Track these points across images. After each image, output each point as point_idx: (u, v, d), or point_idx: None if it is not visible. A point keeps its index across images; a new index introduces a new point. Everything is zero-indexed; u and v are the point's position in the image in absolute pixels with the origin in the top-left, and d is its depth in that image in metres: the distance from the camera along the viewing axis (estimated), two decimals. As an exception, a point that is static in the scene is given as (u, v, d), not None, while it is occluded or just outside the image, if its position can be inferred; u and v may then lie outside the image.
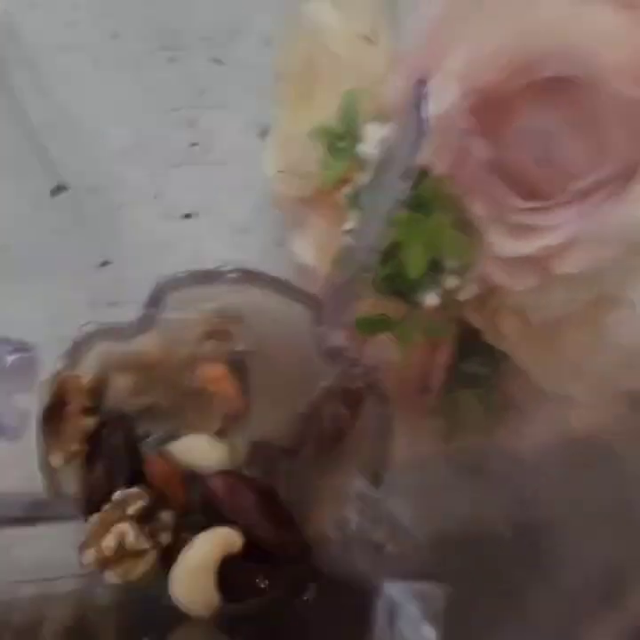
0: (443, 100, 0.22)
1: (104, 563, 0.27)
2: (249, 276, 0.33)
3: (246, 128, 0.39)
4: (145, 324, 0.31)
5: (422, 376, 0.32)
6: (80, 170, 0.28)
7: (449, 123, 0.23)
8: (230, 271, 0.33)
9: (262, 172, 0.34)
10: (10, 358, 0.28)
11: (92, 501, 0.28)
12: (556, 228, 0.25)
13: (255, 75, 0.38)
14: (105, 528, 0.27)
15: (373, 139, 0.26)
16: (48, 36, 0.41)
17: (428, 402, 0.32)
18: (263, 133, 0.37)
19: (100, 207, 0.28)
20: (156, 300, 0.31)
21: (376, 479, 0.29)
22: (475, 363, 0.31)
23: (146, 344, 0.31)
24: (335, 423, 0.30)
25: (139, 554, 0.27)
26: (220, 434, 0.30)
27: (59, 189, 0.24)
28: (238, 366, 0.31)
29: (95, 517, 0.27)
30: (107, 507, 0.27)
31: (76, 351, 0.30)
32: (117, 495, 0.27)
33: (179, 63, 0.40)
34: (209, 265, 0.35)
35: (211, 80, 0.40)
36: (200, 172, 0.39)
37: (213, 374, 0.31)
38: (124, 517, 0.27)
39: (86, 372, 0.30)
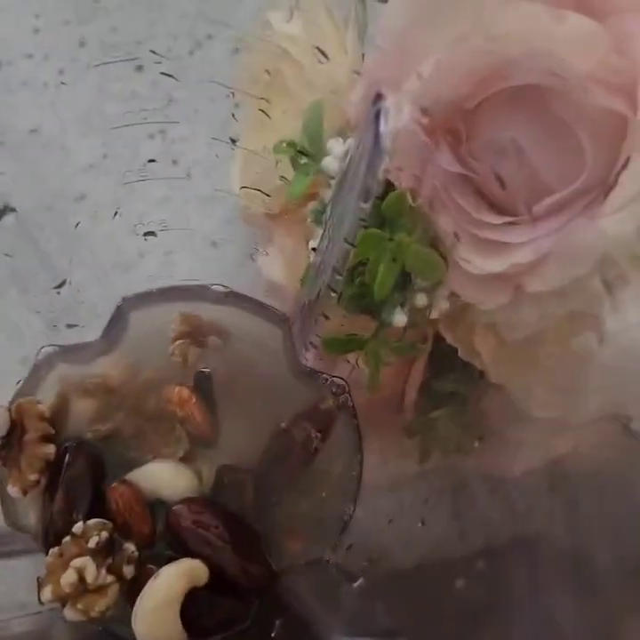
0: (403, 114, 0.21)
1: (63, 599, 0.26)
2: (217, 294, 0.32)
3: (214, 140, 0.38)
4: (107, 345, 0.30)
5: (395, 395, 0.31)
6: (35, 187, 0.27)
7: (412, 137, 0.22)
8: (198, 288, 0.32)
9: (231, 184, 0.33)
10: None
11: (52, 534, 0.27)
12: (527, 245, 0.24)
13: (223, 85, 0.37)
14: (64, 562, 0.26)
15: (337, 152, 0.25)
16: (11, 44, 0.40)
17: (402, 421, 0.31)
18: (232, 145, 0.36)
19: (55, 226, 0.27)
20: (118, 319, 0.30)
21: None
22: (450, 381, 0.30)
23: (108, 366, 0.30)
24: (306, 446, 0.29)
25: (100, 589, 0.26)
26: (186, 460, 0.29)
27: (5, 211, 0.23)
28: (205, 388, 0.30)
29: (54, 551, 0.26)
30: (66, 540, 0.26)
31: (34, 375, 0.29)
32: (77, 527, 0.26)
33: (145, 73, 0.39)
34: (176, 282, 0.34)
35: (178, 90, 0.39)
36: (167, 184, 0.38)
37: (179, 397, 0.30)
38: (84, 551, 0.26)
39: (45, 397, 0.29)
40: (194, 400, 0.29)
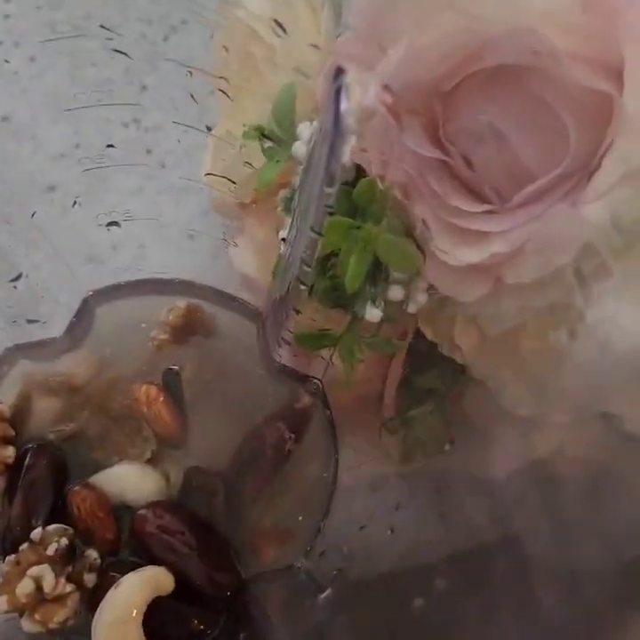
0: (369, 92, 0.20)
1: (20, 609, 0.24)
2: (188, 287, 0.30)
3: (189, 128, 0.36)
4: (72, 341, 0.29)
5: (373, 392, 0.30)
6: (3, 176, 0.25)
7: (380, 119, 0.21)
8: (167, 282, 0.30)
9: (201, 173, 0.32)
10: None
11: (9, 541, 0.25)
12: (507, 234, 0.23)
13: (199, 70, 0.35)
14: (21, 571, 0.24)
15: (306, 136, 0.24)
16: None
17: (380, 419, 0.30)
18: (208, 133, 0.35)
19: (19, 217, 0.26)
20: (84, 314, 0.29)
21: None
22: (430, 377, 0.29)
23: (73, 364, 0.29)
24: (278, 447, 0.28)
25: (59, 598, 0.25)
26: (153, 461, 0.28)
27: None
28: (173, 386, 0.29)
29: (11, 559, 0.25)
30: (24, 547, 0.25)
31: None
32: (36, 534, 0.25)
33: (120, 59, 0.38)
34: (148, 274, 0.33)
35: (153, 76, 0.38)
36: (141, 173, 0.36)
37: (147, 395, 0.28)
38: (42, 558, 0.25)
39: (6, 395, 0.28)
40: (162, 398, 0.28)
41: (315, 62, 0.27)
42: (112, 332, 0.29)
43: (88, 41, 0.39)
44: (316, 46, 0.27)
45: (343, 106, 0.17)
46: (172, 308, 0.29)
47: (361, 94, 0.17)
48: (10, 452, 0.26)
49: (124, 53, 0.38)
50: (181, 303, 0.29)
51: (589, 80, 0.23)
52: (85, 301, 0.29)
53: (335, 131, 0.17)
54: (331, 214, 0.20)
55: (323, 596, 0.24)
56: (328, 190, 0.19)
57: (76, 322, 0.29)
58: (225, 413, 0.29)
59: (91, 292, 0.29)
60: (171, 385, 0.29)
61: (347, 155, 0.18)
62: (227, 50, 0.26)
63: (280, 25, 0.23)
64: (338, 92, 0.17)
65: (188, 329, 0.29)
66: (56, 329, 0.28)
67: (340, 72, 0.17)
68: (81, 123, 0.37)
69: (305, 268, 0.23)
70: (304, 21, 0.28)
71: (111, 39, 0.38)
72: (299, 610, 0.24)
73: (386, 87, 0.20)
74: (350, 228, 0.21)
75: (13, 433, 0.27)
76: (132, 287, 0.30)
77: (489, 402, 0.26)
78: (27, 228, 0.26)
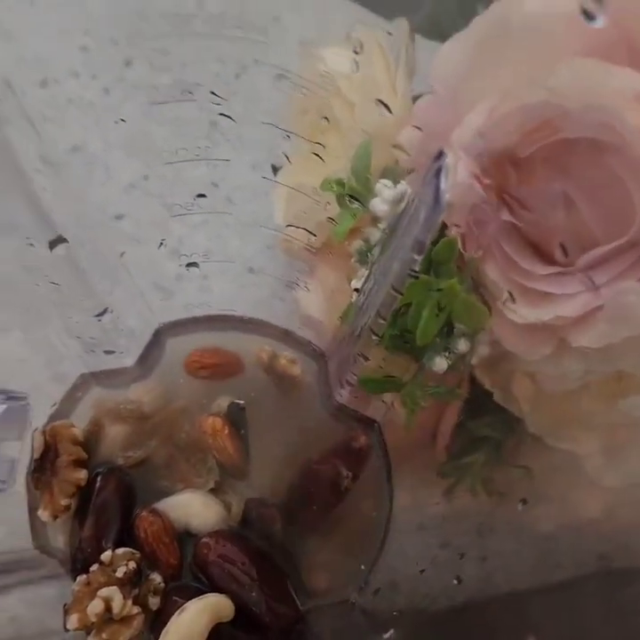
0: (461, 167, 0.21)
1: (89, 628, 0.25)
2: (254, 324, 0.32)
3: (257, 166, 0.38)
4: (142, 370, 0.30)
5: (427, 435, 0.31)
6: (80, 216, 0.27)
7: (466, 186, 0.22)
8: (234, 317, 0.32)
9: (272, 211, 0.33)
10: (1, 407, 0.27)
11: (80, 561, 0.27)
12: (573, 297, 0.24)
13: (268, 110, 0.37)
14: (91, 591, 0.26)
15: (387, 196, 0.25)
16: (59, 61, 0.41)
17: (433, 463, 0.31)
18: (275, 172, 0.36)
19: (100, 254, 0.27)
20: (154, 345, 0.30)
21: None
22: (484, 424, 0.30)
23: (142, 392, 0.30)
24: (335, 484, 0.29)
25: (126, 619, 0.26)
26: (216, 491, 0.29)
27: (58, 241, 0.23)
28: (238, 419, 0.30)
29: (82, 579, 0.26)
30: (94, 568, 0.26)
31: (69, 398, 0.29)
32: (106, 556, 0.26)
33: (192, 95, 0.39)
34: (214, 309, 0.34)
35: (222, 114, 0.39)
36: (208, 210, 0.38)
37: (212, 427, 0.29)
38: (111, 580, 0.26)
39: (80, 420, 0.29)
40: (227, 431, 0.29)
41: (388, 119, 0.28)
42: (180, 363, 0.31)
43: (163, 75, 0.40)
44: (387, 107, 0.28)
45: (443, 185, 0.18)
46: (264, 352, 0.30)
47: (455, 169, 0.18)
48: (82, 474, 0.28)
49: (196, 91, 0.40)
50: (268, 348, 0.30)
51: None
52: (157, 333, 0.30)
53: (433, 206, 0.18)
54: (415, 278, 0.21)
55: (386, 636, 0.25)
56: (416, 257, 0.20)
57: (146, 352, 0.30)
58: (285, 448, 0.30)
59: (162, 325, 0.31)
60: (235, 418, 0.30)
61: (438, 226, 0.19)
62: (328, 120, 0.27)
63: (386, 105, 0.24)
64: (438, 172, 0.18)
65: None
66: (130, 360, 0.29)
67: (441, 154, 0.18)
68: (151, 155, 0.38)
69: (380, 320, 0.24)
70: (381, 79, 0.29)
71: (184, 78, 0.40)
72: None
73: (479, 162, 0.21)
74: (430, 288, 0.22)
75: (86, 456, 0.28)
76: (201, 322, 0.31)
77: (543, 455, 0.27)
78: (114, 265, 0.27)
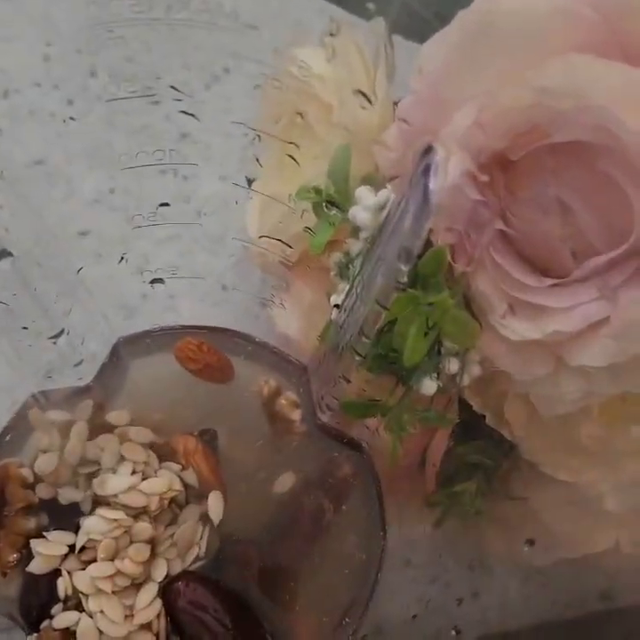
0: (452, 168, 0.19)
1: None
2: (221, 338, 0.29)
3: (228, 176, 0.36)
4: (103, 390, 0.28)
5: (414, 462, 0.29)
6: (39, 233, 0.25)
7: (455, 193, 0.20)
8: (196, 330, 0.29)
9: (244, 225, 0.31)
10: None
11: (32, 618, 0.24)
12: (569, 312, 0.22)
13: (241, 119, 0.35)
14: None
15: (368, 202, 0.23)
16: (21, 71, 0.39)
17: (421, 491, 0.28)
18: (248, 184, 0.34)
19: (54, 267, 0.25)
20: (115, 362, 0.28)
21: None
22: (476, 450, 0.28)
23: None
24: (316, 518, 0.26)
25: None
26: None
27: (2, 254, 0.21)
28: (210, 443, 0.28)
29: (33, 638, 0.23)
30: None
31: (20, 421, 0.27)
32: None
33: (160, 106, 0.38)
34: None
35: (193, 125, 0.37)
36: (177, 223, 0.36)
37: (184, 445, 0.27)
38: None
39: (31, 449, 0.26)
40: (200, 450, 0.27)
41: (367, 122, 0.27)
42: (147, 383, 0.28)
43: (130, 89, 0.38)
44: (365, 108, 0.26)
45: (432, 184, 0.16)
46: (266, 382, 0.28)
47: (445, 171, 0.17)
48: (33, 524, 0.25)
49: (165, 102, 0.38)
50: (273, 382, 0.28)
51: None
52: (115, 348, 0.28)
53: (422, 208, 0.16)
54: (403, 290, 0.19)
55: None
56: (403, 268, 0.18)
57: (106, 368, 0.28)
58: (260, 477, 0.27)
59: (120, 339, 0.28)
60: (209, 442, 0.28)
61: (427, 231, 0.17)
62: (301, 116, 0.25)
63: (366, 96, 0.22)
64: (427, 170, 0.16)
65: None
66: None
67: (429, 150, 0.16)
68: (116, 169, 0.36)
69: (363, 339, 0.22)
70: (360, 80, 0.28)
71: (151, 87, 0.38)
72: None
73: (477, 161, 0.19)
74: (419, 303, 0.20)
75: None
76: (164, 335, 0.29)
77: (542, 484, 0.25)
78: (72, 283, 0.25)
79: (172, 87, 0.31)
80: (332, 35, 0.23)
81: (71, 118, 0.36)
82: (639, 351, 0.20)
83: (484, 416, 0.27)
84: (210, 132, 0.37)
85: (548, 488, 0.25)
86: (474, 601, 0.29)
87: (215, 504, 0.26)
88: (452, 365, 0.24)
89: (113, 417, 0.27)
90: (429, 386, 0.23)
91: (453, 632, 0.25)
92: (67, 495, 0.26)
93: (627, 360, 0.20)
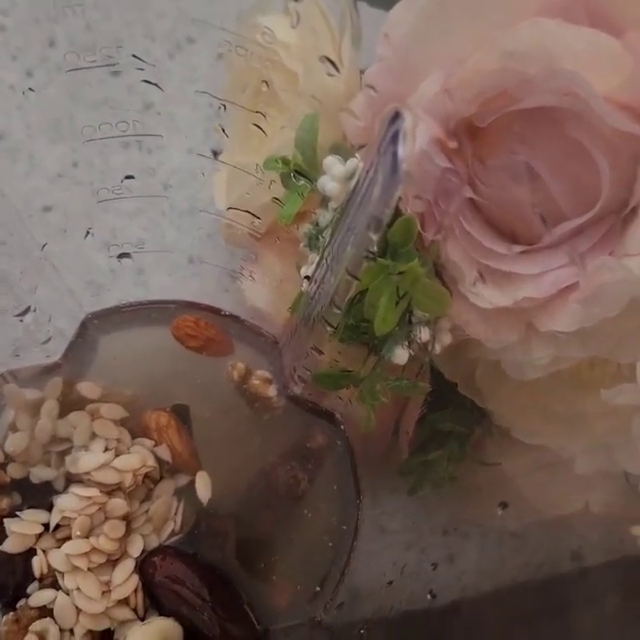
0: (420, 135, 0.19)
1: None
2: (191, 310, 0.29)
3: (194, 148, 0.35)
4: (72, 366, 0.27)
5: (387, 431, 0.29)
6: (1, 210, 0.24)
7: (424, 160, 0.20)
8: (168, 304, 0.29)
9: (212, 197, 0.31)
10: None
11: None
12: (539, 278, 0.22)
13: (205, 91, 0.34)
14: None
15: (337, 172, 0.23)
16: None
17: (395, 460, 0.29)
18: (214, 156, 0.33)
19: (21, 249, 0.24)
20: (82, 338, 0.27)
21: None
22: (448, 418, 0.28)
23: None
24: (291, 488, 0.27)
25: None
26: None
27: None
28: (183, 417, 0.27)
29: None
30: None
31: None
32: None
33: (122, 77, 0.37)
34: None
35: (156, 96, 0.36)
36: (143, 196, 0.35)
37: (156, 421, 0.27)
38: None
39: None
40: (173, 425, 0.27)
41: (334, 90, 0.26)
42: (117, 360, 0.28)
43: (90, 58, 0.37)
44: (332, 75, 0.26)
45: (400, 151, 0.16)
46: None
47: (414, 137, 0.16)
48: (4, 504, 0.25)
49: (127, 72, 0.37)
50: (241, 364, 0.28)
51: (625, 124, 0.23)
52: (84, 325, 0.28)
53: (390, 176, 0.16)
54: (373, 260, 0.19)
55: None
56: (373, 236, 0.18)
57: (75, 345, 0.27)
58: (234, 451, 0.27)
59: (89, 315, 0.28)
60: (181, 416, 0.27)
61: (396, 200, 0.17)
62: (267, 84, 0.25)
63: (332, 62, 0.22)
64: (395, 137, 0.16)
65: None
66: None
67: (397, 116, 0.16)
68: (79, 142, 0.35)
69: (334, 310, 0.22)
70: (325, 47, 0.27)
71: (112, 56, 0.36)
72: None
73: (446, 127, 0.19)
74: (390, 272, 0.20)
75: (8, 479, 0.25)
76: (133, 310, 0.29)
77: (511, 449, 0.26)
78: (37, 260, 0.25)
79: (135, 56, 0.29)
80: (296, 0, 0.23)
81: (31, 89, 0.35)
82: (607, 316, 0.20)
83: (456, 384, 0.27)
84: (174, 102, 0.36)
85: (519, 453, 0.25)
86: (449, 565, 0.29)
87: (202, 484, 0.26)
88: (424, 334, 0.24)
89: (84, 388, 0.27)
90: (401, 355, 0.23)
91: (429, 596, 0.25)
92: (39, 474, 0.25)
93: (595, 325, 0.20)
